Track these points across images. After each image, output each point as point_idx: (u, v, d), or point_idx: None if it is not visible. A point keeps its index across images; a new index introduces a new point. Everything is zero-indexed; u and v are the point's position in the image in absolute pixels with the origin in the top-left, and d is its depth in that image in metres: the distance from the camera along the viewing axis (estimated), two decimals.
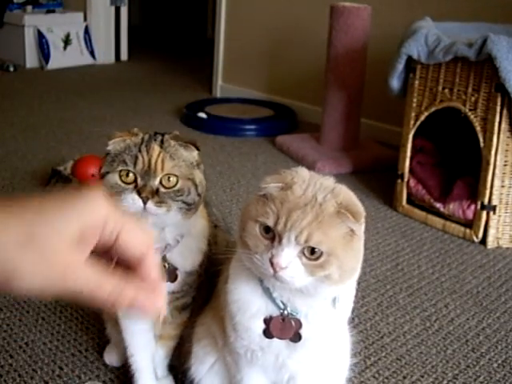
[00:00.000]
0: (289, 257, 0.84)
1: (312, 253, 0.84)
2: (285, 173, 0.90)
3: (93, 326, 1.47)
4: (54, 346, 1.39)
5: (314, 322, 0.94)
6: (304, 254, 0.84)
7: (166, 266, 1.09)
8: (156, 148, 1.02)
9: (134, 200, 1.00)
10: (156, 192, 1.00)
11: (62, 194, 0.51)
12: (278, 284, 0.88)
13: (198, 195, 1.05)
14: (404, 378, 1.36)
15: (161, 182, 1.01)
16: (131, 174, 1.01)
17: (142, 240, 0.54)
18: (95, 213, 0.50)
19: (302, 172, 0.92)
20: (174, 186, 1.02)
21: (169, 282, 1.10)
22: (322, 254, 0.84)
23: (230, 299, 0.96)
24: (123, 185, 1.01)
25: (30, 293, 0.49)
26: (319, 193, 0.87)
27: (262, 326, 0.94)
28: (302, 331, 0.94)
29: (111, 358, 1.33)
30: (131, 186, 1.01)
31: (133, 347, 1.19)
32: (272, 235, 0.86)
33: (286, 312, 0.93)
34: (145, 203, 0.99)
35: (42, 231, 0.48)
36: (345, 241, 0.86)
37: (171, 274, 1.10)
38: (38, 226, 0.48)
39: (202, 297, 1.16)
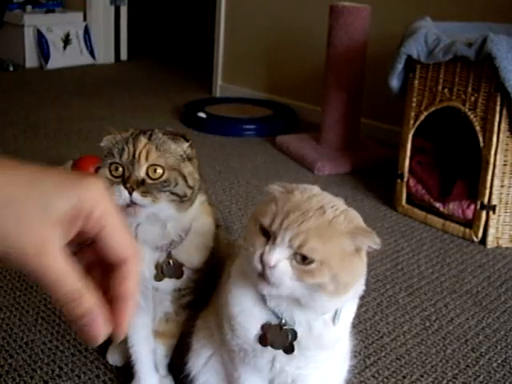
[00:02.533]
0: (279, 256, 0.83)
1: (304, 258, 0.82)
2: (295, 184, 0.91)
3: None
4: (53, 346, 1.39)
5: (312, 335, 0.93)
6: (295, 258, 0.83)
7: (171, 262, 1.09)
8: (142, 140, 1.03)
9: (120, 191, 1.00)
10: (142, 182, 1.01)
11: (58, 171, 0.47)
12: (269, 289, 0.86)
13: (190, 187, 1.05)
14: (404, 377, 1.36)
15: (147, 174, 1.02)
16: (120, 168, 1.02)
17: (130, 243, 0.49)
18: (86, 196, 0.46)
19: (312, 187, 0.91)
20: (160, 177, 1.02)
21: (175, 279, 1.10)
22: (313, 261, 0.82)
23: (232, 302, 0.95)
24: (113, 178, 1.02)
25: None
26: (329, 208, 0.85)
27: (259, 331, 0.94)
28: (299, 342, 0.93)
29: (114, 357, 1.33)
30: (119, 180, 1.02)
31: (133, 339, 1.20)
32: (269, 235, 0.85)
33: (283, 321, 0.92)
34: (130, 194, 1.00)
35: (30, 203, 0.44)
36: (345, 255, 0.84)
37: (177, 270, 1.10)
38: (28, 192, 0.44)
39: (203, 294, 1.16)
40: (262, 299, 0.93)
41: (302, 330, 0.92)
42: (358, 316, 1.56)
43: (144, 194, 1.00)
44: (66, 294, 0.46)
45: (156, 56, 5.22)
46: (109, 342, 1.35)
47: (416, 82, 2.15)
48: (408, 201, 2.26)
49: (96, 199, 0.46)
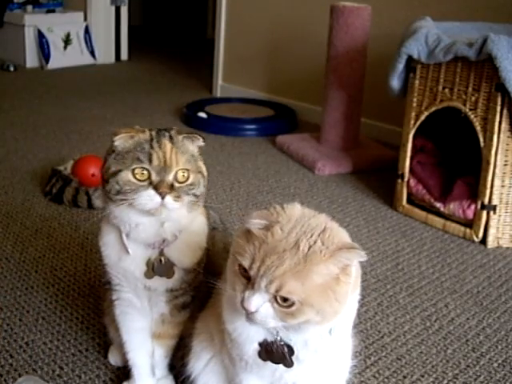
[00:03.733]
0: (258, 302, 0.82)
1: (284, 300, 0.82)
2: (274, 209, 0.87)
3: (93, 325, 1.47)
4: (54, 346, 1.39)
5: (309, 347, 0.92)
6: (276, 300, 0.82)
7: (163, 260, 1.09)
8: (167, 144, 1.03)
9: (150, 196, 1.01)
10: (171, 187, 1.02)
11: None
12: (257, 326, 0.87)
13: (204, 187, 1.08)
14: (404, 377, 1.36)
15: (174, 178, 1.03)
16: (146, 172, 1.02)
17: None
18: None
19: (292, 210, 0.88)
20: (187, 180, 1.04)
21: (166, 279, 1.10)
22: (294, 303, 0.81)
23: (226, 319, 0.95)
24: (137, 182, 1.02)
25: None
26: (303, 237, 0.83)
27: (257, 348, 0.93)
28: (298, 355, 0.92)
29: (116, 358, 1.33)
30: (146, 183, 1.01)
31: (129, 344, 1.20)
32: (248, 276, 0.83)
33: (278, 338, 0.91)
34: (163, 198, 1.00)
35: None
36: (327, 287, 0.82)
37: (168, 269, 1.10)
38: None
39: (201, 296, 1.16)
40: None
41: (298, 346, 0.92)
42: (358, 316, 1.56)
43: (176, 198, 1.02)
44: None
45: (156, 56, 5.22)
46: (110, 342, 1.35)
47: (416, 82, 2.15)
48: (408, 201, 2.26)
49: None
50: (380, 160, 2.73)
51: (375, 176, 2.59)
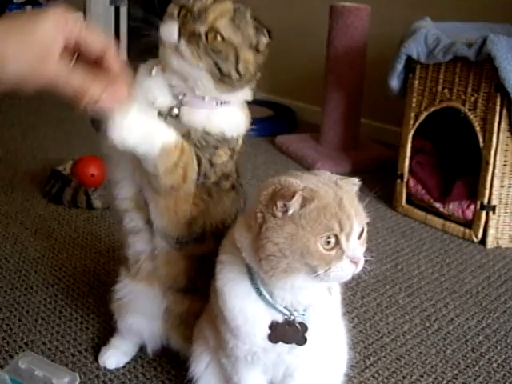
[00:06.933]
0: (359, 246, 0.87)
1: (361, 233, 0.89)
2: (281, 189, 0.86)
3: (92, 326, 1.47)
4: (53, 346, 1.39)
5: (315, 315, 0.95)
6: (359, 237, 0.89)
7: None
8: (228, 4, 1.00)
9: (170, 30, 0.98)
10: (193, 35, 0.97)
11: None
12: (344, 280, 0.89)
13: (237, 72, 1.00)
14: (403, 377, 1.36)
15: (206, 36, 0.97)
16: (185, 11, 0.98)
17: (101, 38, 0.71)
18: (57, 16, 0.65)
19: (297, 178, 0.90)
20: (215, 45, 0.98)
21: None
22: (363, 229, 0.88)
23: (232, 316, 0.95)
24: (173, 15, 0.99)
25: (14, 80, 0.62)
26: (331, 183, 0.89)
27: (267, 331, 0.94)
28: (309, 327, 0.95)
29: (107, 359, 1.32)
30: (175, 19, 0.99)
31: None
32: (335, 242, 0.84)
33: (292, 317, 0.93)
34: (179, 37, 0.97)
35: (24, 21, 0.62)
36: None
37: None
38: (20, 20, 0.62)
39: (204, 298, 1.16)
40: (264, 301, 0.94)
41: (310, 317, 0.94)
42: (357, 316, 1.57)
43: (190, 44, 0.97)
44: (77, 90, 0.68)
45: (156, 56, 5.21)
46: (107, 342, 1.35)
47: (416, 82, 2.15)
48: (408, 201, 2.26)
49: (63, 16, 0.68)
50: (379, 160, 2.73)
51: (375, 176, 2.59)
